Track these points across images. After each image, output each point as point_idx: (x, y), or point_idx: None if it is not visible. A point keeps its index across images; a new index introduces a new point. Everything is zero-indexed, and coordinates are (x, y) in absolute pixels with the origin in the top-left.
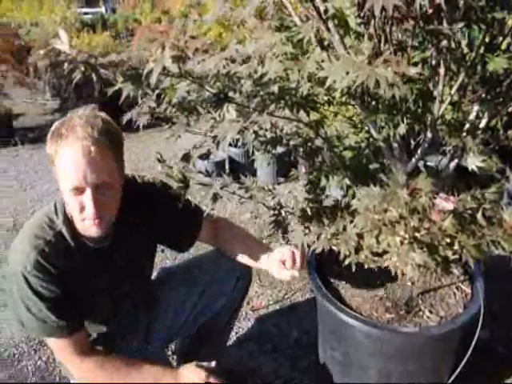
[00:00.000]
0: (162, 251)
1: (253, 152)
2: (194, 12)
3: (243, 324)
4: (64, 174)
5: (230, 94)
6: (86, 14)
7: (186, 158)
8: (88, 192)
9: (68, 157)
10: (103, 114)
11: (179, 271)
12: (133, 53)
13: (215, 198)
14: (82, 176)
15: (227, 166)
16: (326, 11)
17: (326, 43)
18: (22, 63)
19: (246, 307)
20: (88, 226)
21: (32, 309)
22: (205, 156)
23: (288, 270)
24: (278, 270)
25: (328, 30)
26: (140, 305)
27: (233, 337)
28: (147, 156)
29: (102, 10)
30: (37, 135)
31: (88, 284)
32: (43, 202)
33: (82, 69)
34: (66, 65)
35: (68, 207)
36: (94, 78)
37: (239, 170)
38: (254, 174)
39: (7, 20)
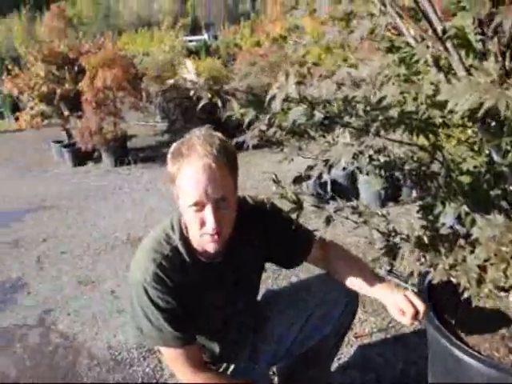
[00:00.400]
0: (265, 270)
1: (367, 173)
2: (293, 35)
3: (345, 350)
4: (186, 191)
5: (346, 118)
6: (191, 41)
7: (298, 180)
8: (208, 207)
9: (190, 174)
10: (218, 134)
11: (286, 293)
12: (252, 79)
13: (328, 221)
14: (204, 191)
15: (329, 188)
16: (444, 31)
17: (441, 63)
18: (136, 89)
19: (348, 333)
20: (206, 241)
21: (150, 317)
22: (307, 177)
23: (409, 317)
24: (396, 315)
25: (446, 49)
26: (249, 324)
27: (335, 363)
28: (250, 176)
29: (205, 37)
30: (147, 155)
31: (202, 299)
32: (153, 218)
33: (209, 96)
34: (192, 92)
35: (187, 223)
36: (220, 104)
37: (342, 191)
38: (356, 195)
39: (125, 52)
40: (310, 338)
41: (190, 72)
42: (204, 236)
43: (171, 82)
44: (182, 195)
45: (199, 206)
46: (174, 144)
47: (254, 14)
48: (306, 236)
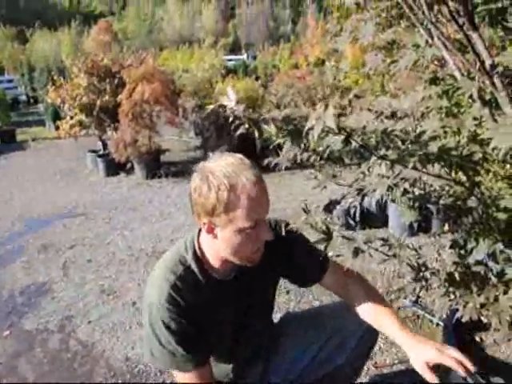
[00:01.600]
0: (287, 292)
1: (392, 201)
2: (332, 59)
3: (363, 379)
4: (245, 214)
5: (383, 150)
6: (230, 60)
7: (329, 208)
8: (262, 222)
9: (247, 197)
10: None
11: (304, 317)
12: (293, 110)
13: (356, 253)
14: (262, 209)
15: (358, 214)
16: (492, 65)
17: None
18: (173, 104)
19: (368, 363)
20: (256, 255)
21: (162, 340)
22: (337, 203)
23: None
24: (423, 370)
25: (493, 85)
26: (264, 344)
27: None
28: (280, 197)
29: (244, 57)
30: (179, 169)
31: (215, 316)
32: (180, 232)
33: (247, 126)
34: (230, 119)
35: (236, 245)
36: (257, 134)
37: (370, 218)
38: (385, 223)
39: (164, 68)
40: (323, 366)
41: (230, 100)
42: (256, 252)
43: (211, 107)
44: (238, 219)
45: (256, 223)
46: (199, 182)
47: (293, 36)
48: (322, 259)
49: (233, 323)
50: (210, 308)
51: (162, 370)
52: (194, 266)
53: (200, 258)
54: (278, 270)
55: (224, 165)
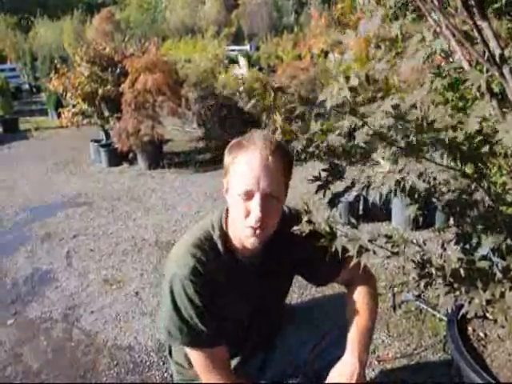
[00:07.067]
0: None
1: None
2: (336, 50)
3: (366, 373)
4: (239, 178)
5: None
6: (233, 51)
7: (333, 202)
8: (257, 197)
9: (245, 162)
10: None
11: (305, 308)
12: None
13: (361, 251)
14: (256, 181)
15: (361, 208)
16: (502, 56)
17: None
18: (175, 95)
19: (371, 356)
20: (248, 234)
21: (183, 314)
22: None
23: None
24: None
25: (502, 75)
26: (270, 332)
27: None
28: None
29: (247, 47)
30: (181, 160)
31: (234, 298)
32: (183, 222)
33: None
34: (238, 93)
35: (233, 213)
36: (264, 117)
37: (373, 212)
38: (388, 216)
39: (167, 58)
40: (321, 359)
41: (242, 67)
42: (247, 230)
43: (222, 77)
44: (234, 184)
45: (249, 195)
46: (235, 140)
47: (297, 27)
48: (337, 260)
49: (248, 307)
50: (230, 288)
51: (164, 361)
52: (219, 245)
53: (226, 237)
54: (296, 265)
55: (254, 134)
